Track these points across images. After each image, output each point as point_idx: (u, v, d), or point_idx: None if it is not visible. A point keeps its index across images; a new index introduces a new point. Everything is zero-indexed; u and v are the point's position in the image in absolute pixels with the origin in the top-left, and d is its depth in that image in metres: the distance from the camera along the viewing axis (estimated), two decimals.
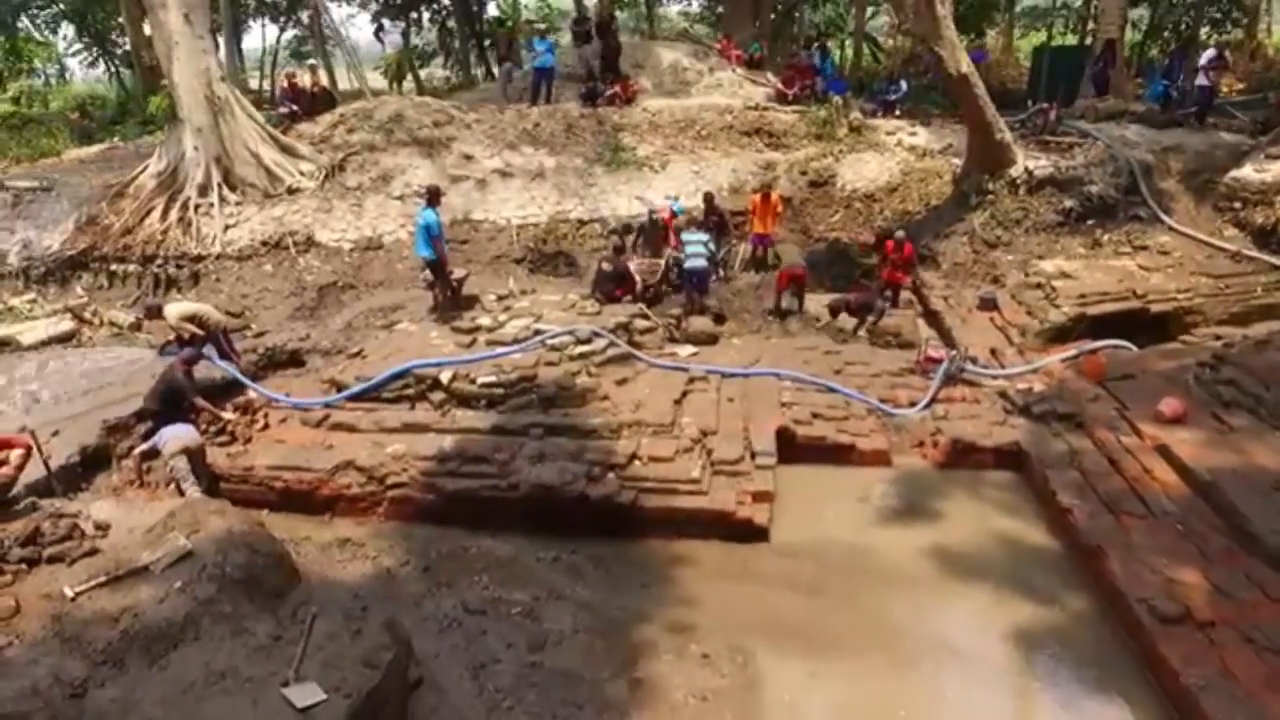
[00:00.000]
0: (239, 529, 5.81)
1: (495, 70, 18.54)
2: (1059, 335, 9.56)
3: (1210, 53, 13.69)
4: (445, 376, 7.88)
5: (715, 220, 12.05)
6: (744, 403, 8.28)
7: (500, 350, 8.36)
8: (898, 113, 15.87)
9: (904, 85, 16.42)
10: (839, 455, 7.86)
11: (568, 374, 7.95)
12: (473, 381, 7.86)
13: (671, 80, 16.28)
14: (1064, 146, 13.13)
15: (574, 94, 15.54)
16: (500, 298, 10.11)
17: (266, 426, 7.93)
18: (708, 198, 12.18)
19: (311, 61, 15.65)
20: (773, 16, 24.54)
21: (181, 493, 6.72)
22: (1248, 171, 11.57)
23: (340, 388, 8.16)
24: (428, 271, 9.83)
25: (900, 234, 11.13)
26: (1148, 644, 5.08)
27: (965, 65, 11.28)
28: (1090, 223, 12.14)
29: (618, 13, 21.64)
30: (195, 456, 6.91)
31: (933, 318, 11.19)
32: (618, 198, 13.20)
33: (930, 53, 11.42)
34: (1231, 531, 5.77)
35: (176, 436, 6.81)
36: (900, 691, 5.21)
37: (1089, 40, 18.76)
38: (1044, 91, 17.01)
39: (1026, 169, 12.44)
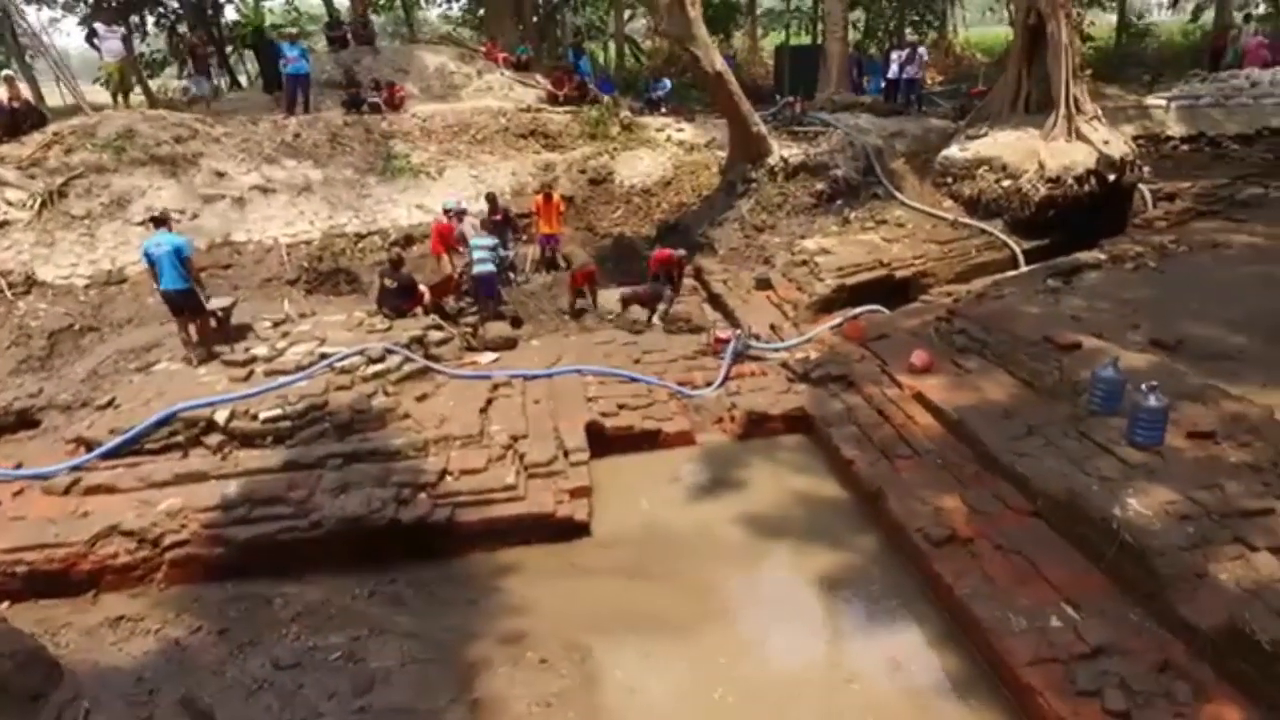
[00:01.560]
0: None
1: (241, 79, 16.96)
2: (826, 306, 10.59)
3: (907, 51, 15.85)
4: (221, 416, 7.12)
5: (499, 220, 11.97)
6: (551, 403, 8.31)
7: (283, 380, 7.69)
8: (663, 110, 16.65)
9: (667, 84, 17.27)
10: (647, 441, 8.14)
11: (362, 396, 7.51)
12: (254, 418, 7.17)
13: (439, 85, 15.85)
14: (810, 136, 14.50)
15: (335, 102, 14.62)
16: (276, 323, 9.32)
17: None
18: (490, 198, 12.05)
19: (8, 72, 13.31)
20: (535, 19, 24.70)
21: None
22: (954, 151, 13.48)
23: (91, 446, 7.09)
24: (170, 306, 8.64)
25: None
26: (925, 566, 5.79)
27: (719, 64, 12.10)
28: (839, 203, 13.53)
29: (374, 16, 20.61)
30: None
31: (716, 301, 11.93)
32: (396, 208, 12.66)
33: (687, 53, 12.12)
34: (977, 458, 6.73)
35: None
36: (726, 651, 5.53)
37: (820, 40, 20.83)
38: (789, 87, 18.74)
39: (782, 158, 13.60)
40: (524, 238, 12.59)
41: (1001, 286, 9.80)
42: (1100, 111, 13.24)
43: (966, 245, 12.18)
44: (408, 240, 12.31)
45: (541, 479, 7.03)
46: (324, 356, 8.11)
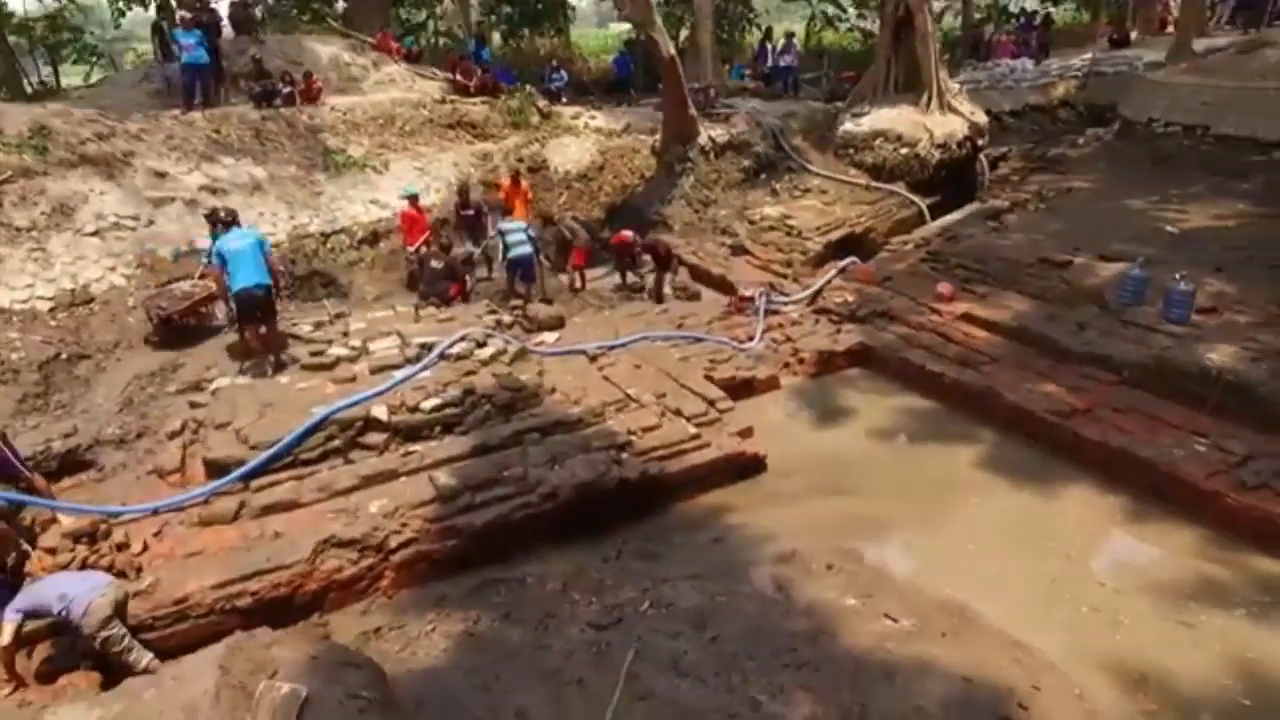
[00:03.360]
0: (314, 651, 4.44)
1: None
2: (820, 261, 11.83)
3: (783, 42, 17.71)
4: (381, 412, 6.60)
5: (473, 215, 11.74)
6: (650, 366, 8.59)
7: (405, 373, 7.24)
8: (564, 100, 16.92)
9: (564, 74, 17.52)
10: (745, 389, 8.76)
11: (509, 376, 7.33)
12: (413, 410, 6.74)
13: (337, 77, 14.72)
14: (723, 118, 15.69)
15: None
16: (318, 324, 8.57)
17: (145, 548, 5.67)
18: (462, 190, 11.77)
19: None
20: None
21: (130, 669, 4.63)
22: (850, 126, 15.42)
23: (221, 469, 6.21)
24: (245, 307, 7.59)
25: (629, 234, 11.94)
26: (1065, 435, 7.12)
27: (673, 49, 12.81)
28: (763, 176, 14.88)
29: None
30: (123, 611, 4.80)
31: (694, 271, 12.64)
32: (352, 204, 11.81)
33: (648, 38, 12.70)
34: (1045, 354, 8.26)
35: (96, 591, 4.62)
36: (951, 525, 6.49)
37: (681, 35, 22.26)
38: (641, 78, 19.96)
39: (710, 138, 14.64)
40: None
41: (958, 229, 11.69)
42: (958, 89, 15.92)
43: (888, 205, 14.12)
44: (374, 237, 11.59)
45: (707, 427, 7.41)
46: (424, 347, 7.72)
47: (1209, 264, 9.63)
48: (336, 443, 6.46)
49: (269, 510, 5.93)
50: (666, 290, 11.28)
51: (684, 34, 23.55)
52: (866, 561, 6.05)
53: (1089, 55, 22.69)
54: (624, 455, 6.71)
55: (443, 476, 6.18)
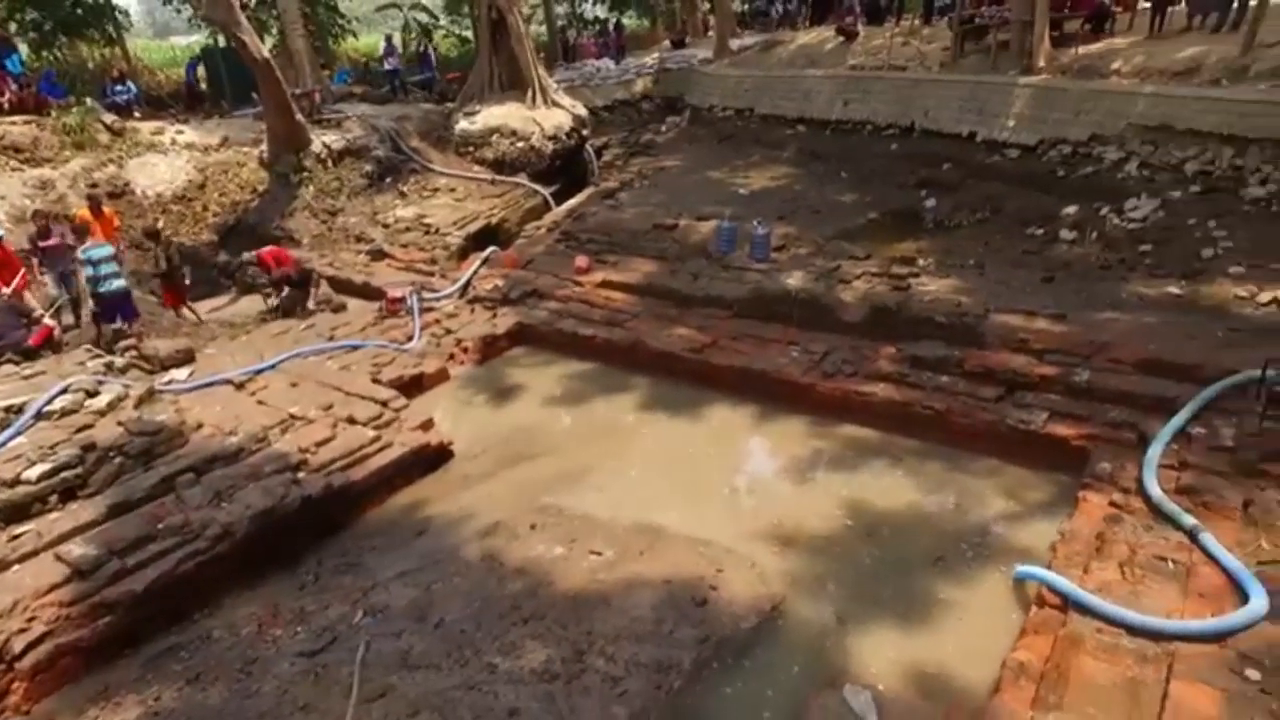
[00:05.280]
0: None
1: None
2: (463, 254, 12.02)
3: (385, 46, 17.44)
4: None
5: (56, 245, 9.77)
6: (309, 383, 8.08)
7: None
8: (137, 115, 14.65)
9: (132, 87, 15.08)
10: (416, 385, 8.68)
11: (139, 420, 6.33)
12: (13, 484, 5.49)
13: None
14: (334, 124, 14.98)
15: None
16: None
17: None
18: (40, 216, 9.73)
19: None
20: None
21: None
22: (465, 124, 15.82)
23: None
24: None
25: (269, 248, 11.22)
26: (702, 366, 8.33)
27: (265, 51, 11.80)
28: (389, 180, 14.61)
29: None
30: None
31: (334, 281, 12.01)
32: None
33: (234, 38, 11.45)
34: (674, 303, 9.53)
35: None
36: (629, 461, 7.24)
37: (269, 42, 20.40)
38: (229, 88, 18.36)
39: (325, 144, 13.91)
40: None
41: (582, 210, 12.76)
42: (557, 86, 17.19)
43: (515, 196, 14.81)
44: None
45: (385, 428, 7.24)
46: (13, 410, 6.33)
47: (773, 214, 11.95)
48: None
49: None
50: (310, 305, 10.58)
51: (270, 42, 21.88)
52: (566, 512, 6.53)
53: (657, 55, 26.11)
54: (300, 474, 6.27)
55: (76, 549, 5.17)
